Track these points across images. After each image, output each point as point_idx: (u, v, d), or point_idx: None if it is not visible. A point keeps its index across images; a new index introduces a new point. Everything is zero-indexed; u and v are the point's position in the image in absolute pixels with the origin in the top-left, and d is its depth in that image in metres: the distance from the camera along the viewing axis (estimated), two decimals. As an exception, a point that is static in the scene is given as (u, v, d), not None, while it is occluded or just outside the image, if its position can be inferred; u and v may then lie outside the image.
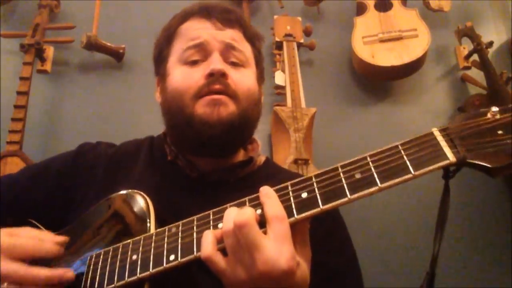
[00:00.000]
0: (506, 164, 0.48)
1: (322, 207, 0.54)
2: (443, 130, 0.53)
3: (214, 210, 0.60)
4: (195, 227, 0.60)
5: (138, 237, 0.64)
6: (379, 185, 0.52)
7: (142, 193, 0.72)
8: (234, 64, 0.83)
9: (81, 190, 0.85)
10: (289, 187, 0.57)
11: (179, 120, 0.80)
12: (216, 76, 0.78)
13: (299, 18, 2.12)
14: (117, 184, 0.79)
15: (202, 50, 0.82)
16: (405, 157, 0.52)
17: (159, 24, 0.93)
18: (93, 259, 0.67)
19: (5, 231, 0.66)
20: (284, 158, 1.68)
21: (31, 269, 0.62)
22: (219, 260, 0.54)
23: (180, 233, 0.61)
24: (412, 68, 1.99)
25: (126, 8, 2.18)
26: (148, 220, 0.67)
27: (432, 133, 0.53)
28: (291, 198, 0.56)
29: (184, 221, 0.62)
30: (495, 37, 2.16)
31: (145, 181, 0.83)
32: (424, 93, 2.13)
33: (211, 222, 0.59)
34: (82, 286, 0.65)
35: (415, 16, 2.06)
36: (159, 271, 0.59)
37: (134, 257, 0.62)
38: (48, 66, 2.00)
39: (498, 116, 0.51)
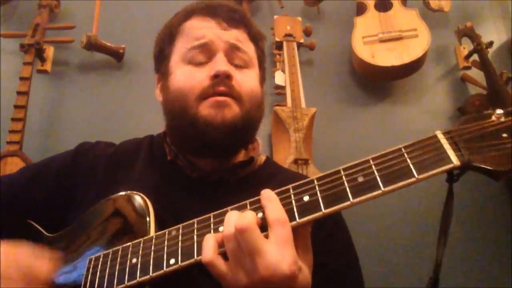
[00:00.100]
0: (511, 168, 0.47)
1: (324, 211, 0.53)
2: (447, 133, 0.52)
3: (215, 213, 0.60)
4: (195, 230, 0.59)
5: (137, 240, 0.64)
6: (382, 189, 0.51)
7: (141, 194, 0.71)
8: (238, 65, 0.82)
9: (81, 190, 0.84)
10: (291, 190, 0.57)
11: (182, 121, 0.79)
12: (221, 78, 0.77)
13: (299, 18, 2.12)
14: (117, 184, 0.79)
15: (207, 50, 0.81)
16: (408, 160, 0.52)
17: (159, 24, 0.92)
18: (92, 262, 0.67)
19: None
20: (284, 158, 1.68)
21: None
22: (220, 265, 0.54)
23: (180, 236, 0.60)
24: (412, 68, 1.99)
25: (126, 8, 2.18)
26: (148, 222, 0.66)
27: (435, 136, 0.53)
28: (293, 202, 0.55)
29: (184, 224, 0.61)
30: (495, 37, 2.16)
31: (145, 181, 0.82)
32: (424, 93, 2.13)
33: (212, 225, 0.59)
34: None
35: (415, 16, 2.06)
36: (159, 275, 0.58)
37: (134, 260, 0.62)
38: (48, 66, 2.00)
39: (502, 119, 0.50)
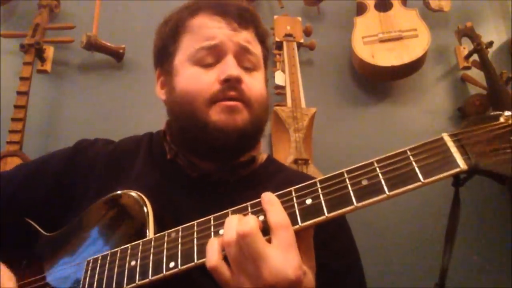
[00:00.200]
0: None
1: (327, 215, 0.52)
2: (453, 135, 0.51)
3: (215, 215, 0.59)
4: (195, 233, 0.59)
5: (136, 242, 0.63)
6: (387, 193, 0.50)
7: (140, 193, 0.70)
8: (247, 68, 0.81)
9: (80, 189, 0.83)
10: (293, 193, 0.56)
11: (191, 125, 0.77)
12: (232, 82, 0.76)
13: (299, 18, 2.12)
14: (117, 182, 0.78)
15: (216, 52, 0.79)
16: (414, 163, 0.50)
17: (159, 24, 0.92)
18: (90, 264, 0.66)
19: None
20: (284, 158, 1.68)
21: None
22: (225, 271, 0.53)
23: (180, 239, 0.59)
24: (412, 68, 1.99)
25: (126, 8, 2.18)
26: (146, 223, 0.65)
27: (442, 139, 0.51)
28: (295, 205, 0.54)
29: (184, 226, 0.60)
30: (495, 37, 2.16)
31: (144, 180, 0.81)
32: (424, 93, 2.13)
33: (212, 228, 0.58)
34: None
35: (415, 16, 2.05)
36: (158, 279, 0.58)
37: (133, 263, 0.61)
38: (48, 66, 2.00)
39: (511, 121, 0.49)
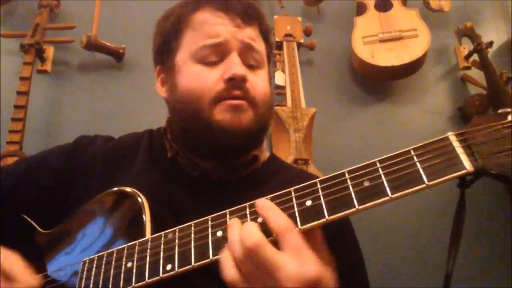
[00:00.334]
0: None
1: (328, 217, 0.50)
2: (459, 135, 0.49)
3: (213, 216, 0.58)
4: (192, 234, 0.57)
5: (133, 243, 0.62)
6: (390, 195, 0.48)
7: (136, 190, 0.69)
8: (251, 66, 0.79)
9: (79, 186, 0.82)
10: (292, 193, 0.54)
11: (194, 124, 0.76)
12: (237, 81, 0.74)
13: (299, 18, 2.12)
14: (116, 180, 0.77)
15: (220, 50, 0.76)
16: (418, 164, 0.48)
17: (159, 25, 0.91)
18: (86, 265, 0.65)
19: None
20: (284, 158, 1.68)
21: None
22: (243, 285, 0.51)
23: (177, 240, 0.58)
24: (412, 68, 1.99)
25: (126, 8, 2.18)
26: (143, 222, 0.64)
27: (447, 138, 0.49)
28: (295, 206, 0.53)
29: (181, 226, 0.59)
30: (495, 37, 2.16)
31: (144, 178, 0.80)
32: (424, 93, 2.13)
33: (210, 228, 0.57)
34: None
35: (415, 16, 2.05)
36: (155, 281, 0.57)
37: (129, 264, 0.60)
38: (48, 66, 2.00)
39: None
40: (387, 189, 0.49)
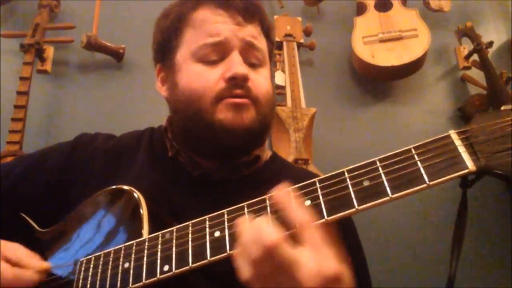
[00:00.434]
0: None
1: (327, 218, 0.49)
2: (461, 133, 0.47)
3: (210, 215, 0.57)
4: (190, 234, 0.57)
5: (130, 243, 0.62)
6: (390, 195, 0.47)
7: (133, 188, 0.69)
8: (252, 64, 0.78)
9: (79, 185, 0.82)
10: (291, 193, 0.53)
11: (195, 123, 0.75)
12: (238, 81, 0.73)
13: (299, 18, 2.12)
14: (116, 179, 0.77)
15: (221, 49, 0.76)
16: (419, 163, 0.47)
17: (159, 25, 0.91)
18: (83, 265, 0.65)
19: None
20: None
21: None
22: (260, 286, 0.48)
23: (174, 240, 0.57)
24: (412, 68, 1.99)
25: (126, 8, 2.18)
26: (141, 221, 0.64)
27: (449, 136, 0.48)
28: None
29: (179, 226, 0.59)
30: (495, 37, 2.16)
31: (145, 177, 0.80)
32: (424, 93, 2.13)
33: (207, 228, 0.56)
34: None
35: (415, 16, 2.05)
36: (152, 282, 0.56)
37: (126, 265, 0.59)
38: (48, 66, 2.00)
39: None
40: (387, 189, 0.48)
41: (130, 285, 0.58)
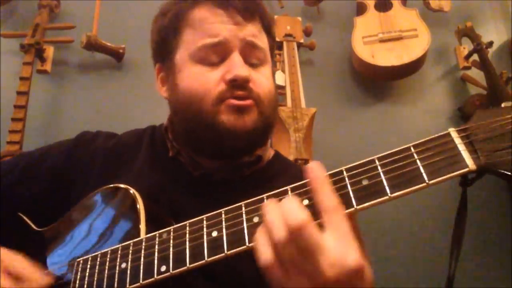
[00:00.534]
0: None
1: None
2: (461, 131, 0.47)
3: (208, 215, 0.56)
4: (187, 234, 0.56)
5: (127, 243, 0.61)
6: (389, 194, 0.47)
7: (130, 187, 0.68)
8: (253, 64, 0.76)
9: (79, 184, 0.81)
10: (289, 192, 0.53)
11: (197, 125, 0.74)
12: (239, 82, 0.72)
13: (299, 18, 2.12)
14: (117, 179, 0.76)
15: (221, 49, 0.74)
16: (418, 162, 0.47)
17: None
18: (80, 265, 0.65)
19: None
20: (284, 158, 1.68)
21: None
22: (279, 271, 0.45)
23: (171, 240, 0.57)
24: (412, 68, 1.99)
25: (126, 8, 2.18)
26: (138, 221, 0.64)
27: (449, 134, 0.47)
28: None
29: (176, 226, 0.58)
30: (495, 37, 2.16)
31: (145, 177, 0.79)
32: (424, 93, 2.13)
33: (205, 228, 0.55)
34: None
35: (415, 16, 2.05)
36: (149, 283, 0.56)
37: (124, 265, 0.59)
38: (48, 66, 2.00)
39: None
40: (386, 188, 0.47)
41: (128, 286, 0.57)
